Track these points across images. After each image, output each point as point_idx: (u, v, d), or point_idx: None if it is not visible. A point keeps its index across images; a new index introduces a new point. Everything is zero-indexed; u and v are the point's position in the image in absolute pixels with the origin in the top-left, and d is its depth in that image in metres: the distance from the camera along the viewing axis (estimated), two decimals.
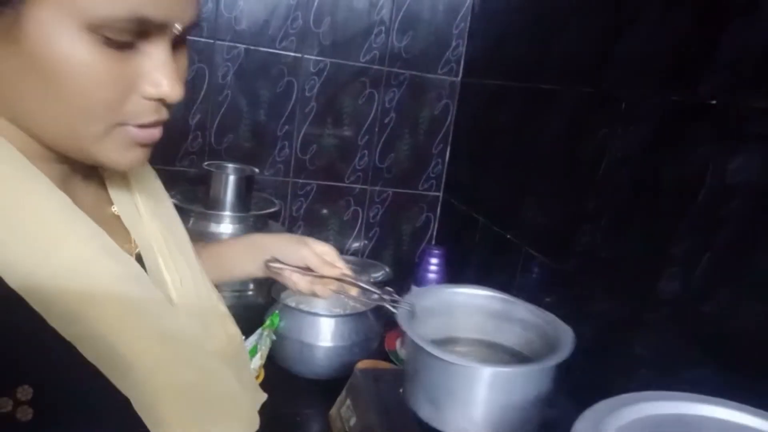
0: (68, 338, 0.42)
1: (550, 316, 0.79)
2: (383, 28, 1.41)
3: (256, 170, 1.28)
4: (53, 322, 0.41)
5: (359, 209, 1.54)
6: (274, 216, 1.35)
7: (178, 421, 0.47)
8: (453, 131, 1.52)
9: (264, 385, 0.66)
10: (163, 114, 0.47)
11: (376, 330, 1.11)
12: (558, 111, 1.05)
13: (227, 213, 1.19)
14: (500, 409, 0.69)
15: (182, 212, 0.70)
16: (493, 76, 1.33)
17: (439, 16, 1.43)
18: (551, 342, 0.74)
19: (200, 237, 1.07)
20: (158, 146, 0.49)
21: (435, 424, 0.71)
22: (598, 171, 0.91)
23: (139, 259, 0.54)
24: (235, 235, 1.16)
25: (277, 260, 0.75)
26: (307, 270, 0.75)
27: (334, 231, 1.53)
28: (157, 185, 0.62)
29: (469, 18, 1.45)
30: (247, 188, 1.22)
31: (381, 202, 1.54)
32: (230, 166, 1.29)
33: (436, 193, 1.57)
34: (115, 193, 0.56)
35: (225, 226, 1.19)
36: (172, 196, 0.78)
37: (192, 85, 1.32)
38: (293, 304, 1.08)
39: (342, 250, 1.27)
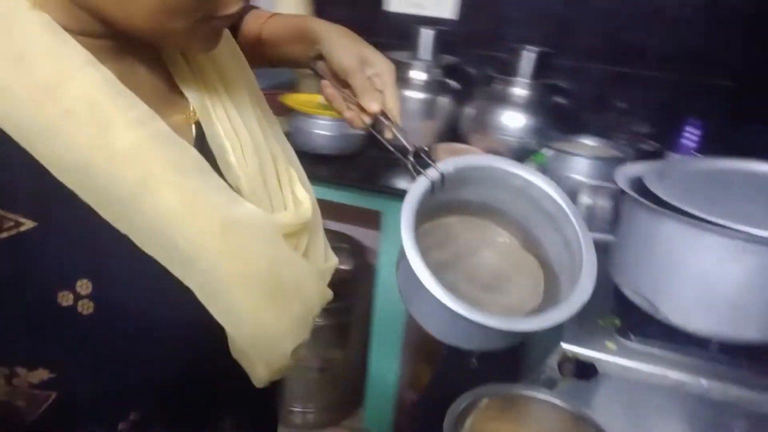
0: (123, 230, 0.41)
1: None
2: None
3: None
4: (106, 215, 0.40)
5: None
6: None
7: (246, 310, 0.46)
8: None
9: None
10: (247, 1, 0.46)
11: None
12: None
13: None
14: None
15: None
16: None
17: None
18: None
19: None
20: None
21: None
22: None
23: (199, 127, 0.51)
24: None
25: (321, 56, 0.63)
26: (346, 86, 0.62)
27: None
28: (225, 50, 0.55)
29: None
30: None
31: None
32: None
33: None
34: (170, 62, 0.51)
35: None
36: None
37: None
38: None
39: None
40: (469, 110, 1.60)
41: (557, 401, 0.64)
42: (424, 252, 0.52)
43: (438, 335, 0.55)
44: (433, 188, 0.57)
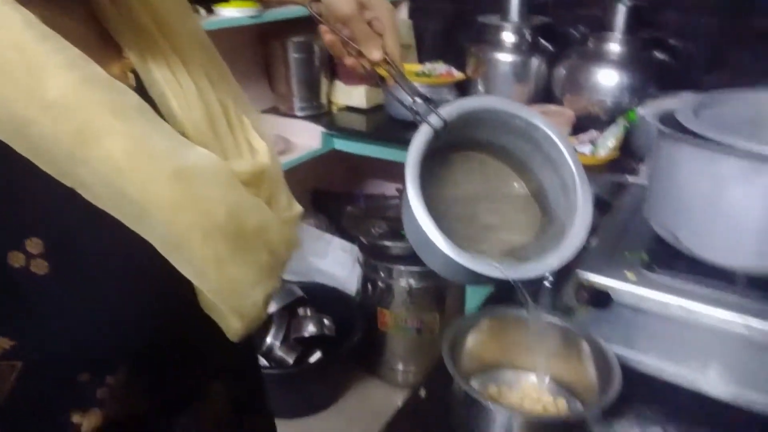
0: (69, 185, 0.39)
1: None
2: None
3: None
4: (48, 169, 0.38)
5: None
6: None
7: (209, 260, 0.44)
8: None
9: None
10: None
11: None
12: None
13: None
14: None
15: None
16: None
17: None
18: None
19: None
20: None
21: None
22: None
23: (138, 77, 0.48)
24: None
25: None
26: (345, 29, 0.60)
27: None
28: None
29: None
30: None
31: None
32: None
33: None
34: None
35: None
36: None
37: None
38: None
39: None
40: (561, 71, 1.58)
41: (558, 322, 0.66)
42: (430, 191, 0.56)
43: (445, 275, 0.60)
44: (437, 135, 0.58)
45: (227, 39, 1.33)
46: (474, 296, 1.65)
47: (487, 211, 0.66)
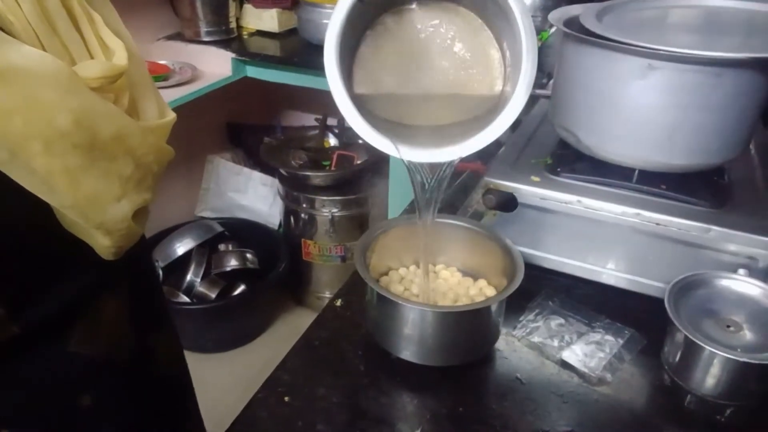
0: None
1: None
2: None
3: None
4: None
5: None
6: None
7: (58, 173, 0.41)
8: None
9: None
10: None
11: None
12: None
13: None
14: None
15: None
16: None
17: None
18: None
19: None
20: None
21: None
22: None
23: None
24: None
25: None
26: None
27: None
28: None
29: None
30: None
31: None
32: None
33: None
34: None
35: None
36: None
37: None
38: None
39: None
40: None
41: (466, 224, 0.68)
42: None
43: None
44: None
45: None
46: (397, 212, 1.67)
47: (438, 71, 0.59)
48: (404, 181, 1.50)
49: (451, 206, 0.82)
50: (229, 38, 1.75)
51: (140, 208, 0.48)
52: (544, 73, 1.34)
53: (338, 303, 0.71)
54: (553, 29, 1.44)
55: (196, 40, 1.72)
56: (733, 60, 0.61)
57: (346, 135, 2.06)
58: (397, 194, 1.64)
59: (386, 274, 0.69)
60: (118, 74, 0.45)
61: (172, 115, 0.52)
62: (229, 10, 1.72)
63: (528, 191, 0.71)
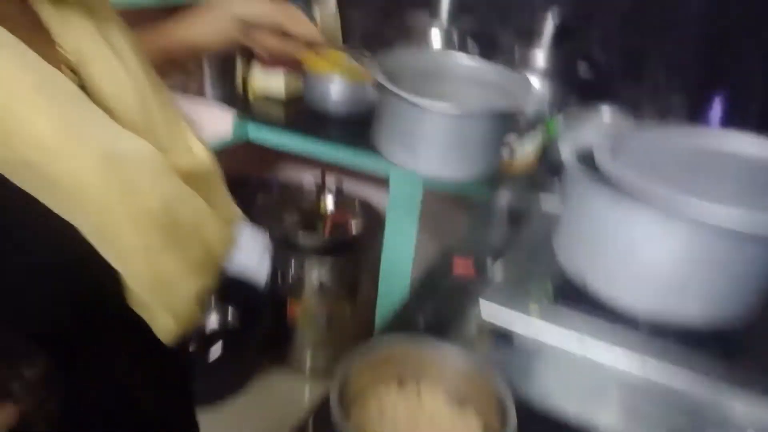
0: None
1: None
2: None
3: None
4: None
5: None
6: None
7: (139, 249, 0.43)
8: None
9: None
10: None
11: None
12: None
13: None
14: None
15: None
16: None
17: None
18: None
19: None
20: None
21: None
22: None
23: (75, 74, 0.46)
24: None
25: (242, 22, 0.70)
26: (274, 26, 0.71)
27: None
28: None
29: None
30: None
31: None
32: None
33: None
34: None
35: None
36: None
37: None
38: None
39: None
40: None
41: (460, 353, 0.65)
42: None
43: None
44: None
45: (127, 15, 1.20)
46: (388, 290, 1.64)
47: None
48: (398, 251, 1.48)
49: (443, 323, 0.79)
50: (234, 97, 1.73)
51: (201, 292, 0.50)
52: (553, 172, 1.33)
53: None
54: (558, 119, 1.43)
55: (200, 95, 1.70)
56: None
57: (342, 198, 2.04)
58: (391, 266, 1.61)
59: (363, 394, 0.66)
60: (203, 171, 0.51)
61: (239, 211, 0.58)
62: (236, 69, 1.71)
63: (526, 326, 0.68)
